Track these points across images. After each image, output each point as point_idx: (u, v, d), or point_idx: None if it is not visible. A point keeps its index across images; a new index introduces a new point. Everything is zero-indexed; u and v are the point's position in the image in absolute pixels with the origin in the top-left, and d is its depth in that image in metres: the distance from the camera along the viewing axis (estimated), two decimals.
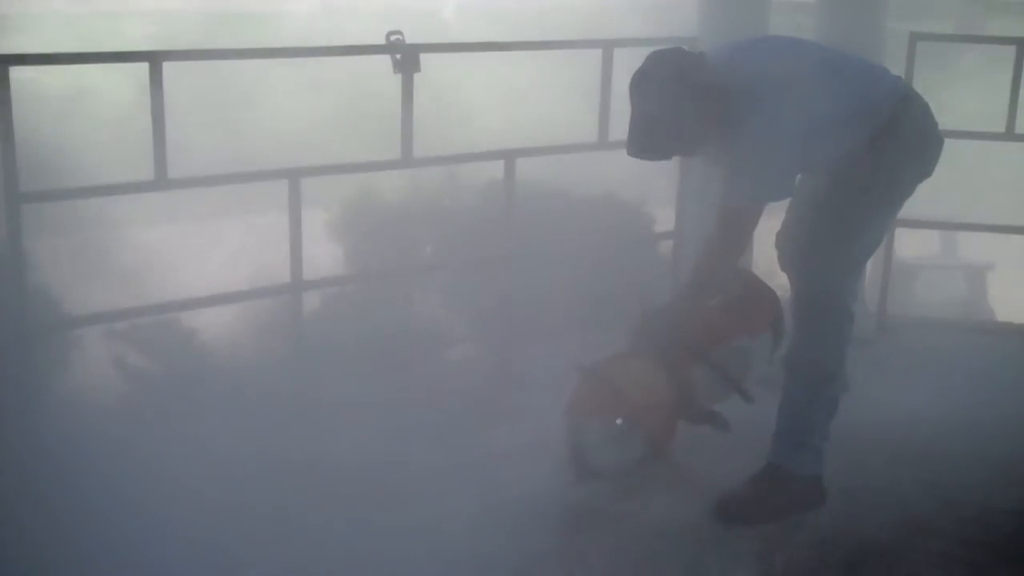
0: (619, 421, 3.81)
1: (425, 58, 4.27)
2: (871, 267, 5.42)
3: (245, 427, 4.18)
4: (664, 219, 5.35)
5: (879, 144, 3.49)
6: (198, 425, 4.22)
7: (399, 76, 4.28)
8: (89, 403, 4.50)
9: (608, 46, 4.65)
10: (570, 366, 3.80)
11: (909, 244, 6.16)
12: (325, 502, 3.60)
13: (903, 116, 3.50)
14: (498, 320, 4.84)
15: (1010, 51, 5.32)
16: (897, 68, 5.10)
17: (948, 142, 5.24)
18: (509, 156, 4.64)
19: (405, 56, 4.23)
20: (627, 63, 3.70)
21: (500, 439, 3.98)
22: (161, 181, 3.86)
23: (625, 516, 3.57)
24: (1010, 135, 5.37)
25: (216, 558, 3.21)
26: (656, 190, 5.78)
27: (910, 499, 3.70)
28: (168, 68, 3.80)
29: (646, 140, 3.42)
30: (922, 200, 5.60)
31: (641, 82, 3.42)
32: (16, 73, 3.54)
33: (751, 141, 3.35)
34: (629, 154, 3.47)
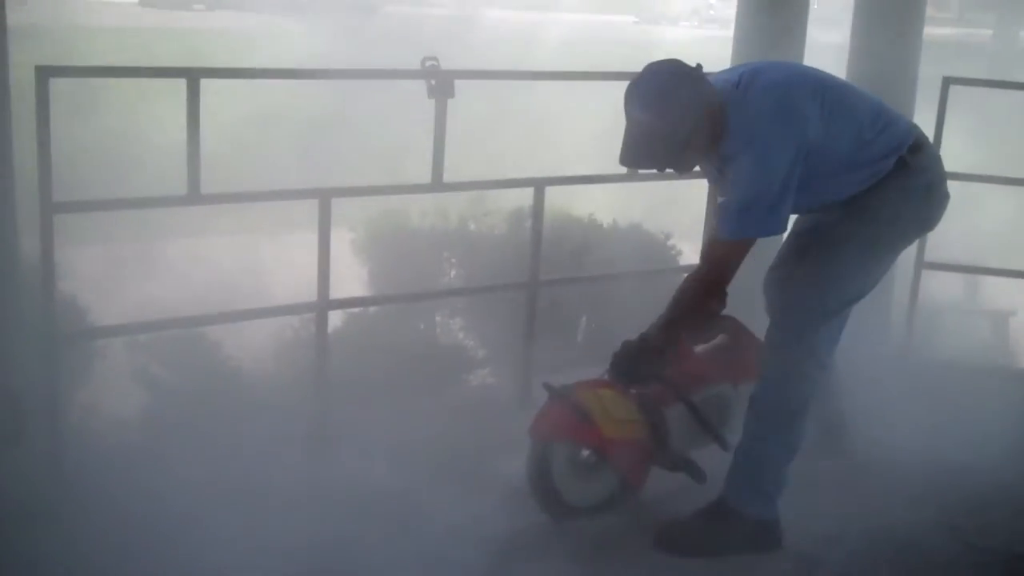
0: (585, 453, 3.69)
1: (459, 84, 4.28)
2: (896, 309, 5.41)
3: (265, 445, 4.20)
4: (690, 253, 5.35)
5: (880, 192, 3.46)
6: (216, 440, 4.24)
7: (432, 101, 4.29)
8: (111, 414, 4.53)
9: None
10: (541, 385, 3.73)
11: (933, 288, 6.13)
12: (335, 523, 3.60)
13: (910, 165, 3.47)
14: (520, 347, 4.83)
15: None
16: (930, 111, 5.13)
17: (978, 186, 5.25)
18: (538, 184, 4.65)
19: (439, 81, 4.25)
20: None
21: (516, 467, 3.97)
22: (194, 196, 3.88)
23: (637, 547, 3.57)
24: None
25: None
26: (683, 223, 5.80)
27: (931, 542, 3.68)
28: (205, 85, 3.82)
29: (638, 149, 3.37)
30: (948, 244, 5.62)
31: (636, 91, 3.36)
32: (57, 85, 3.57)
33: (743, 177, 3.31)
34: (621, 162, 3.42)
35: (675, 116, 3.30)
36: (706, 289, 3.50)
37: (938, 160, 3.57)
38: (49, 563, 3.28)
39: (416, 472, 4.02)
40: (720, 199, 3.52)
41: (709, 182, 3.68)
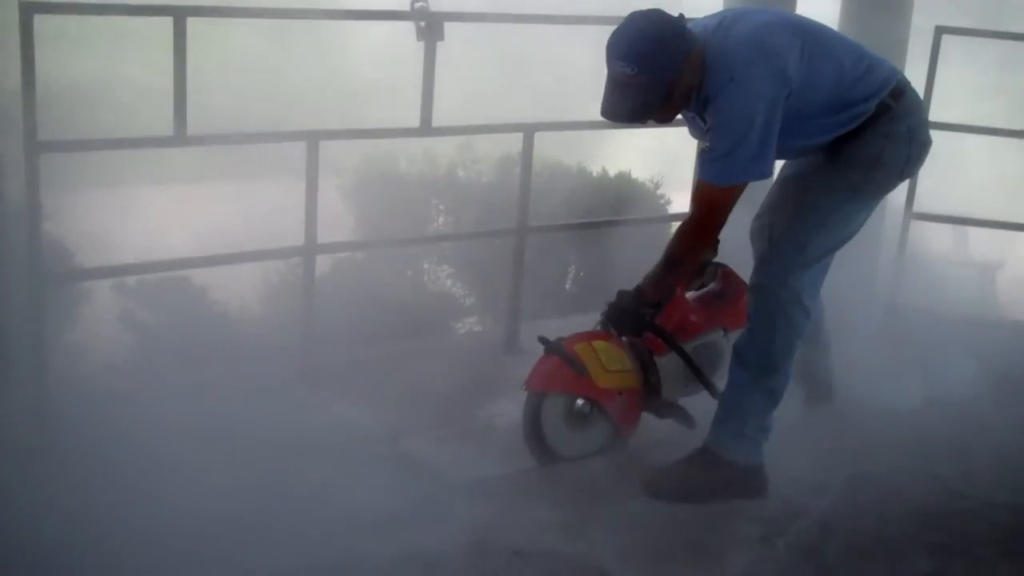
0: (580, 402, 3.72)
1: (449, 27, 4.25)
2: (883, 260, 5.42)
3: (252, 389, 4.21)
4: (680, 201, 5.34)
5: (862, 138, 3.46)
6: (202, 384, 4.24)
7: (422, 44, 4.26)
8: (97, 356, 4.54)
9: None
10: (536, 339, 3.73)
11: (922, 238, 6.14)
12: (324, 465, 3.61)
13: (892, 109, 3.45)
14: (508, 293, 4.83)
15: None
16: (922, 61, 5.11)
17: (966, 137, 5.25)
18: (528, 130, 4.62)
19: (429, 24, 4.21)
20: None
21: (504, 412, 3.97)
22: (180, 137, 3.85)
23: (628, 493, 3.57)
24: None
25: (201, 521, 3.21)
26: (673, 172, 5.79)
27: (913, 490, 3.69)
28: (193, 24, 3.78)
29: (620, 101, 3.33)
30: (936, 195, 5.62)
31: (617, 41, 3.32)
32: (41, 22, 3.53)
33: (725, 119, 3.28)
34: (602, 115, 3.39)
35: (657, 67, 3.27)
36: (699, 236, 3.49)
37: (920, 105, 3.56)
38: (33, 504, 3.27)
39: (402, 417, 4.03)
40: (702, 147, 3.49)
41: (691, 134, 3.64)
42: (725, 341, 3.95)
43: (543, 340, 3.71)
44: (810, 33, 3.42)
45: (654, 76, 3.27)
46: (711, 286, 4.06)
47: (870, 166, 3.47)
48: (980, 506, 3.63)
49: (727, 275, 4.05)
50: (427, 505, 3.41)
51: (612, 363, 3.69)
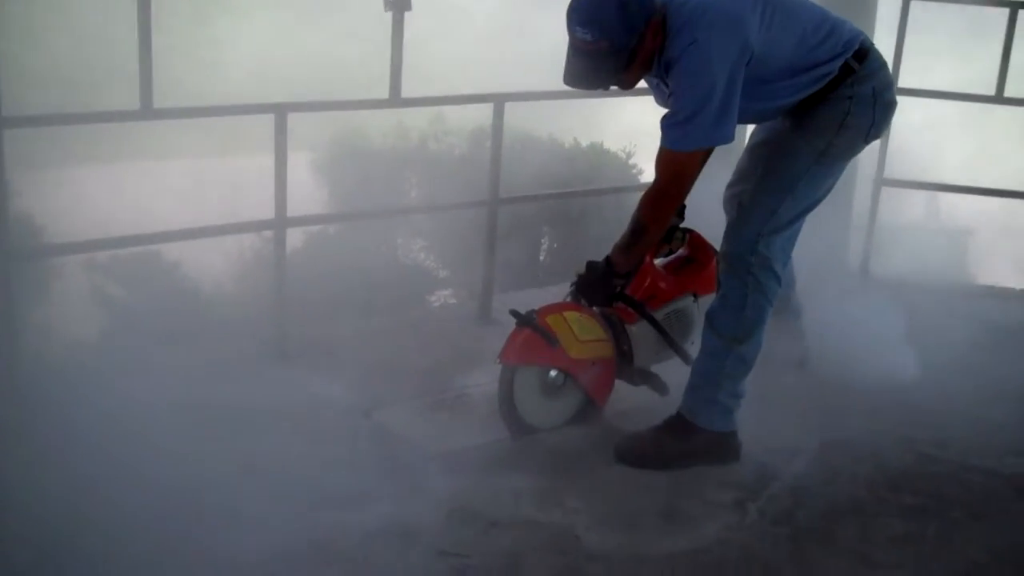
0: (553, 373, 3.72)
1: None
2: (854, 228, 5.44)
3: (224, 364, 4.19)
4: (651, 171, 5.32)
5: (827, 101, 3.45)
6: (175, 360, 4.22)
7: (389, 14, 4.23)
8: (68, 333, 4.51)
9: None
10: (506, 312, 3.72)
11: (893, 206, 6.17)
12: (298, 439, 3.60)
13: (856, 71, 3.44)
14: (480, 265, 4.82)
15: (1003, 14, 5.30)
16: (890, 29, 5.12)
17: (938, 104, 5.26)
18: (498, 100, 4.60)
19: None
20: None
21: (478, 384, 3.97)
22: (147, 111, 3.81)
23: (602, 461, 3.58)
24: (999, 98, 5.37)
25: (176, 498, 3.20)
26: (644, 143, 5.78)
27: (887, 454, 3.72)
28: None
29: (581, 68, 3.30)
30: (907, 162, 5.64)
31: (578, 7, 3.28)
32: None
33: (687, 83, 3.25)
34: (564, 82, 3.35)
35: (618, 32, 3.24)
36: (663, 203, 3.48)
37: (884, 66, 3.55)
38: (7, 480, 3.26)
39: (376, 390, 4.02)
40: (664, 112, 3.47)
41: (656, 102, 3.61)
42: (695, 306, 3.95)
43: (514, 313, 3.70)
44: None
45: (615, 41, 3.24)
46: (679, 251, 4.06)
47: (835, 130, 3.47)
48: (953, 469, 3.66)
49: (695, 240, 4.05)
50: (403, 477, 3.41)
51: (584, 333, 3.69)
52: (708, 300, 3.82)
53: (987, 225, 8.73)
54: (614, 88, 3.50)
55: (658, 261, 3.98)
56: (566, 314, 3.70)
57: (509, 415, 3.69)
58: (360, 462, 3.48)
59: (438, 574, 2.96)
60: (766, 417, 3.86)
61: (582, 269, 3.71)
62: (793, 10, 3.41)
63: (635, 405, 3.88)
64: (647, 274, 3.85)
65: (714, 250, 3.94)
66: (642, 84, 3.56)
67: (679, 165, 3.37)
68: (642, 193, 3.52)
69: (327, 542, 3.05)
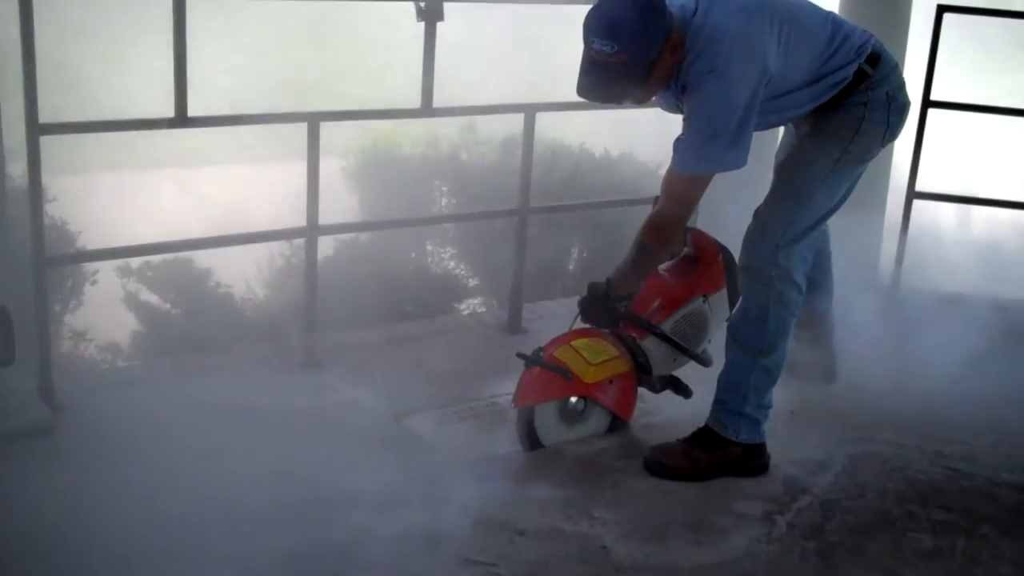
0: (573, 400, 3.70)
1: (449, 8, 4.24)
2: (886, 239, 5.41)
3: (256, 370, 4.22)
4: None
5: (841, 107, 3.44)
6: (207, 365, 4.26)
7: (422, 24, 4.25)
8: (102, 337, 4.55)
9: None
10: (516, 355, 3.69)
11: (924, 217, 6.14)
12: (327, 445, 3.62)
13: (870, 75, 3.42)
14: (510, 274, 4.83)
15: None
16: (923, 39, 5.09)
17: (970, 116, 5.22)
18: (529, 111, 4.62)
19: (429, 4, 4.20)
20: None
21: (506, 392, 3.98)
22: (181, 119, 3.85)
23: (630, 472, 3.58)
24: None
25: (204, 499, 3.22)
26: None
27: (916, 468, 3.70)
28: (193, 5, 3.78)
29: (596, 80, 3.25)
30: (941, 173, 5.61)
31: (596, 18, 3.24)
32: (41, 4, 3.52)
33: (704, 112, 3.23)
34: (578, 93, 3.31)
35: (637, 46, 3.19)
36: (668, 226, 3.47)
37: (896, 68, 3.52)
38: (39, 484, 3.29)
39: (405, 397, 4.03)
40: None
41: (661, 107, 3.58)
42: (707, 307, 3.88)
43: (521, 355, 3.68)
44: (785, 14, 3.35)
45: (633, 55, 3.20)
46: (684, 251, 3.98)
47: (851, 137, 3.45)
48: (983, 484, 3.64)
49: (698, 238, 3.96)
50: (430, 485, 3.42)
51: (596, 356, 3.66)
52: (718, 297, 3.82)
53: (1020, 237, 8.66)
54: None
55: (662, 266, 3.90)
56: (573, 343, 3.68)
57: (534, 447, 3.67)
58: (388, 468, 3.49)
59: None
60: (794, 430, 3.86)
61: (585, 293, 3.69)
62: (806, 26, 3.38)
63: (663, 419, 3.88)
64: (652, 284, 3.78)
65: (719, 245, 3.90)
66: None
67: (687, 188, 3.36)
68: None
69: (353, 546, 3.06)
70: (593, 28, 3.24)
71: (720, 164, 3.27)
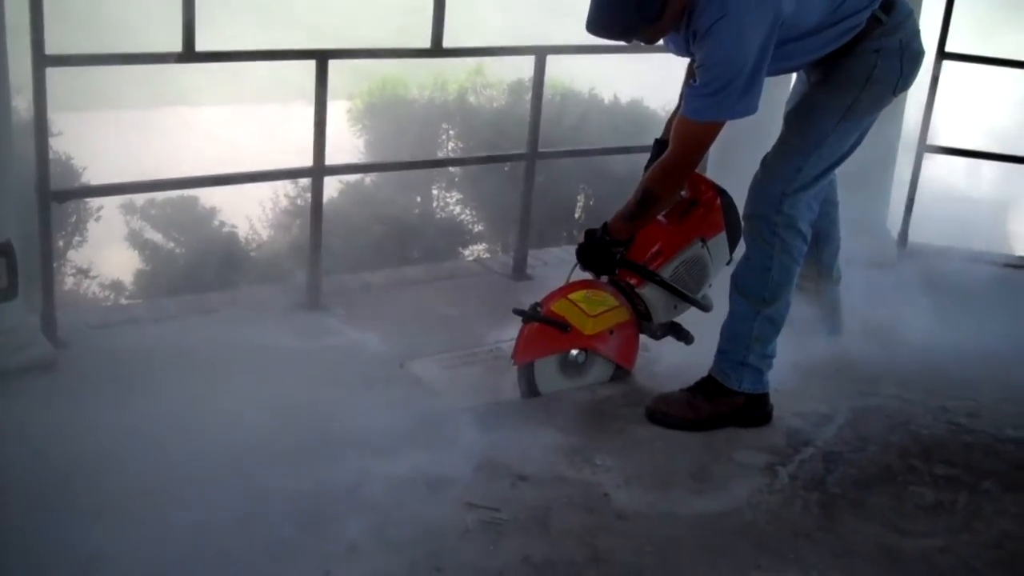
0: (573, 353, 3.68)
1: None
2: (894, 193, 5.38)
3: (259, 311, 4.21)
4: None
5: (854, 55, 3.39)
6: (210, 305, 4.24)
7: None
8: (105, 274, 4.54)
9: None
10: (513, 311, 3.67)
11: (935, 173, 6.10)
12: (332, 388, 3.62)
13: (884, 23, 3.37)
14: (517, 220, 4.80)
15: None
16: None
17: (983, 69, 5.17)
18: (540, 53, 4.56)
19: None
20: None
21: (511, 338, 3.97)
22: (189, 54, 3.80)
23: (633, 421, 3.58)
24: None
25: (207, 437, 3.22)
26: None
27: (919, 423, 3.70)
28: None
29: (607, 15, 3.21)
30: (950, 128, 5.56)
31: None
32: None
33: (716, 59, 3.18)
34: (587, 29, 3.26)
35: None
36: (678, 173, 3.43)
37: (911, 15, 3.46)
38: (41, 420, 3.29)
39: (410, 342, 4.02)
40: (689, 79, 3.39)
41: (675, 54, 3.53)
42: (705, 251, 3.81)
43: (518, 311, 3.65)
44: None
45: None
46: (680, 194, 3.94)
47: (863, 85, 3.40)
48: (985, 440, 3.64)
49: (695, 180, 3.86)
50: (433, 428, 3.42)
51: (594, 307, 3.64)
52: (717, 240, 3.78)
53: None
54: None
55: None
56: (571, 296, 3.65)
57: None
58: (392, 412, 3.49)
59: (465, 526, 2.97)
60: (798, 382, 3.85)
61: (582, 239, 3.67)
62: None
63: (666, 367, 3.87)
64: (649, 231, 3.71)
65: (715, 186, 3.83)
66: None
67: (699, 136, 3.31)
68: None
69: (355, 487, 3.06)
70: None
71: (733, 111, 3.23)
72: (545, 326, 3.60)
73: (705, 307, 3.80)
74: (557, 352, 3.66)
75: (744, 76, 3.18)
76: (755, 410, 3.60)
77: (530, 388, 3.66)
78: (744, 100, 3.21)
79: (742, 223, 3.61)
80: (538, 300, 3.68)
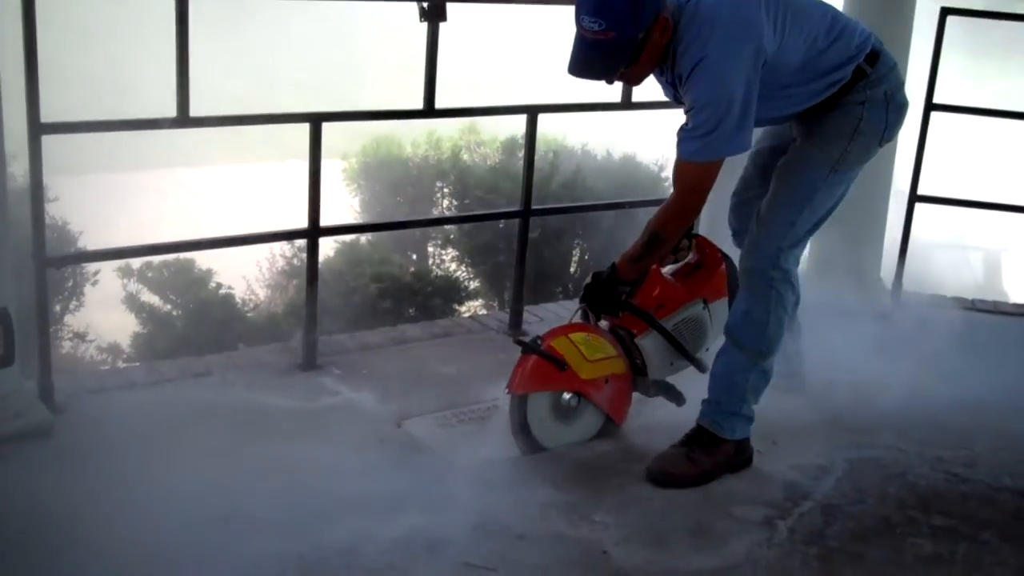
0: (567, 396, 3.67)
1: (452, 8, 4.22)
2: (888, 243, 5.40)
3: (253, 371, 4.21)
4: None
5: (840, 107, 3.44)
6: (207, 367, 4.25)
7: (424, 25, 4.24)
8: (101, 337, 4.54)
9: None
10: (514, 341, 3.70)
11: (926, 223, 6.13)
12: (328, 448, 3.61)
13: (868, 75, 3.42)
14: (511, 276, 4.82)
15: None
16: (926, 43, 5.08)
17: (974, 120, 5.21)
18: (531, 112, 4.60)
19: (432, 4, 4.19)
20: None
21: (507, 396, 3.97)
22: (184, 119, 3.83)
23: (631, 476, 3.57)
24: None
25: (203, 501, 3.21)
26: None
27: (916, 473, 3.70)
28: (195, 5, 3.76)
29: (586, 58, 3.26)
30: (942, 178, 5.59)
31: None
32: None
33: (703, 101, 3.22)
34: (568, 72, 3.31)
35: (625, 23, 3.19)
36: (682, 215, 3.46)
37: (895, 68, 3.52)
38: (39, 486, 3.28)
39: (406, 400, 4.02)
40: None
41: (665, 95, 3.58)
42: (706, 313, 3.88)
43: (519, 341, 3.67)
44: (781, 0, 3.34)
45: (622, 33, 3.20)
46: (688, 258, 3.98)
47: (849, 137, 3.45)
48: (983, 490, 3.64)
49: (702, 245, 3.97)
50: (431, 488, 3.41)
51: (593, 352, 3.64)
52: (719, 305, 3.82)
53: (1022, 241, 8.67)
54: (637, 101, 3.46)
55: (665, 269, 3.90)
56: (572, 335, 3.65)
57: (525, 441, 3.65)
58: (389, 471, 3.49)
59: None
60: (794, 435, 3.85)
61: (589, 279, 3.69)
62: (803, 9, 3.37)
63: (658, 421, 3.86)
64: (655, 283, 3.77)
65: (722, 253, 3.90)
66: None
67: (698, 176, 3.34)
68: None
69: (352, 549, 3.05)
70: (583, 5, 3.24)
71: (727, 149, 3.27)
72: (544, 361, 3.59)
73: (702, 367, 3.81)
74: (552, 389, 3.65)
75: (734, 115, 3.22)
76: (740, 456, 3.65)
77: (521, 422, 3.63)
78: (737, 138, 3.26)
79: (739, 278, 3.63)
80: (540, 334, 3.69)
